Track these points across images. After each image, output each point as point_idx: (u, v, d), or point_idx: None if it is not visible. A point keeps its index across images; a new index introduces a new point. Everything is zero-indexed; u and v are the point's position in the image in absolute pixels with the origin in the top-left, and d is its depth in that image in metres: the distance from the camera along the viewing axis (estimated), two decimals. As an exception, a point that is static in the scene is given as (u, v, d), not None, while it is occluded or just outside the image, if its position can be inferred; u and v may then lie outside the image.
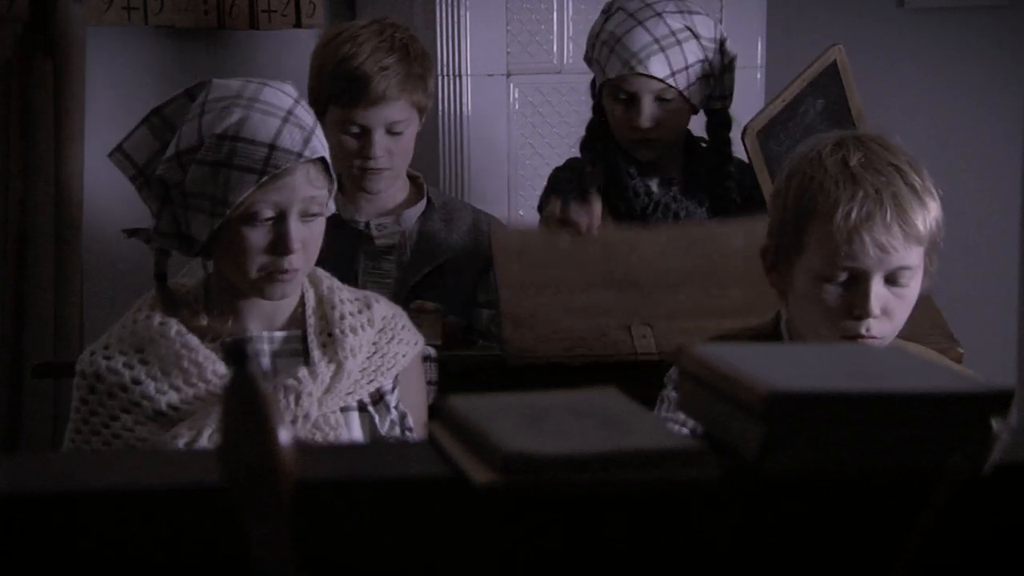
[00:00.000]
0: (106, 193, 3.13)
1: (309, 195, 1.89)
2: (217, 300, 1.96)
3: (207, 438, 1.84)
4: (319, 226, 1.93)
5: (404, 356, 2.03)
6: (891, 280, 1.92)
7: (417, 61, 2.57)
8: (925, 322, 2.34)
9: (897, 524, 1.16)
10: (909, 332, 2.06)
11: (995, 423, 1.15)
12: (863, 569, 1.19)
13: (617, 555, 1.16)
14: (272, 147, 1.85)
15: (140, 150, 1.93)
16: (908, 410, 1.15)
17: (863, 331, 1.91)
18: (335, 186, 1.95)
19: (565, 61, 3.23)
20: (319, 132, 1.91)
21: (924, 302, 2.34)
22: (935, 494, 1.14)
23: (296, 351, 1.96)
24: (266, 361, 1.95)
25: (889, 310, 1.93)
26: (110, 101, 3.25)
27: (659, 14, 2.65)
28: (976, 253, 4.01)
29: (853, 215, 1.88)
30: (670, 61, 2.62)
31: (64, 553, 1.10)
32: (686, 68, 2.64)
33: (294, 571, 1.04)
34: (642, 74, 2.62)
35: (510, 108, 3.25)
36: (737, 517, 1.17)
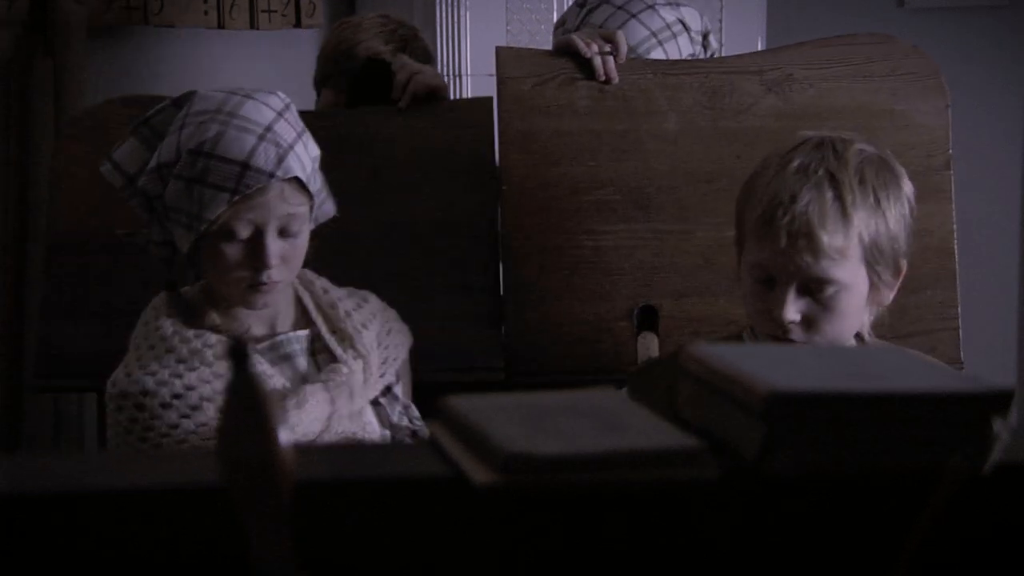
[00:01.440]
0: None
1: (286, 212, 1.88)
2: (218, 304, 1.96)
3: (292, 426, 1.84)
4: (302, 240, 1.92)
5: (403, 347, 2.05)
6: (810, 291, 1.86)
7: (412, 56, 2.57)
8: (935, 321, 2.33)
9: (897, 524, 1.16)
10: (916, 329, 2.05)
11: (995, 423, 1.15)
12: (863, 569, 1.19)
13: (617, 555, 1.16)
14: (245, 166, 1.83)
15: (129, 161, 1.93)
16: (908, 410, 1.15)
17: (779, 333, 1.87)
18: (316, 202, 1.94)
19: (565, 61, 3.23)
20: (299, 147, 1.89)
21: (944, 309, 2.33)
22: (935, 494, 1.14)
23: (302, 351, 1.97)
24: (303, 361, 1.96)
25: (812, 320, 1.87)
26: (110, 101, 3.25)
27: (651, 6, 2.59)
28: (976, 253, 4.00)
29: (760, 222, 1.85)
30: (668, 54, 2.57)
31: (64, 553, 1.10)
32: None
33: (294, 571, 1.04)
34: None
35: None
36: (737, 517, 1.17)
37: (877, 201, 1.86)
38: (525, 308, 2.37)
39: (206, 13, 3.35)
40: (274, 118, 1.87)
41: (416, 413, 2.03)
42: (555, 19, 3.30)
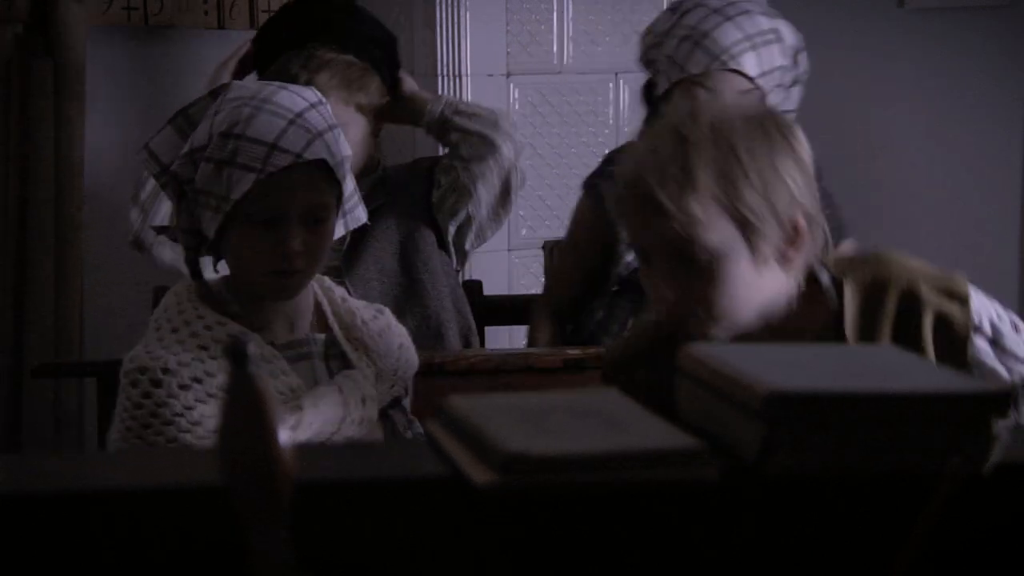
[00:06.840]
0: (106, 192, 3.13)
1: (311, 199, 1.88)
2: (241, 297, 1.96)
3: (308, 424, 1.84)
4: (326, 231, 1.92)
5: (411, 363, 2.05)
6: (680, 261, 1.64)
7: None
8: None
9: (897, 524, 1.16)
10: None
11: (995, 423, 1.15)
12: (863, 569, 1.19)
13: (617, 555, 1.16)
14: (273, 147, 1.85)
15: (165, 149, 1.94)
16: (908, 410, 1.15)
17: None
18: (344, 191, 1.94)
19: (565, 61, 3.23)
20: (329, 136, 1.89)
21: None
22: (935, 494, 1.14)
23: (319, 355, 1.96)
24: (319, 364, 1.95)
25: (700, 296, 1.62)
26: (110, 101, 3.25)
27: (748, 11, 2.49)
28: (976, 253, 4.00)
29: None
30: (761, 60, 2.46)
31: (65, 553, 1.10)
32: (772, 71, 2.48)
33: (294, 571, 1.04)
34: (733, 70, 2.44)
35: (510, 108, 3.25)
36: (737, 517, 1.17)
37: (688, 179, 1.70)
38: None
39: (206, 13, 3.35)
40: (306, 107, 1.89)
41: (420, 428, 2.02)
42: (555, 19, 3.29)
